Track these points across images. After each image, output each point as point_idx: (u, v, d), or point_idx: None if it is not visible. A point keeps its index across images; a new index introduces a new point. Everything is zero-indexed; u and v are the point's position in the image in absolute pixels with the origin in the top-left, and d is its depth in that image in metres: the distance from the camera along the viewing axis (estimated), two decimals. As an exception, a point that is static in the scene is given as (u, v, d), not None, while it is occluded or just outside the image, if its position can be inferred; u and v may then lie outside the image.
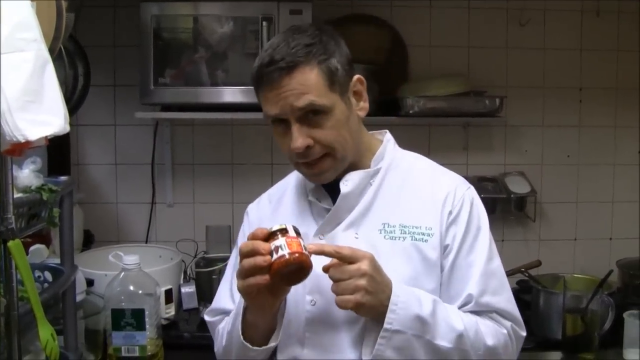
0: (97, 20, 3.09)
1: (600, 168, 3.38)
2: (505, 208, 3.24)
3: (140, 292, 2.30)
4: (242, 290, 1.49)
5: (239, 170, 3.23)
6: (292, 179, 1.82)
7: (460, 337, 1.52)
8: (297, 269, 1.44)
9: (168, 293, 2.61)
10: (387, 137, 1.76)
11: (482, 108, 3.01)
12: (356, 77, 1.65)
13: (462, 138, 3.30)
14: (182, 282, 2.86)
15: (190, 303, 2.78)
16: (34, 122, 1.33)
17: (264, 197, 1.88)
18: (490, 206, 3.20)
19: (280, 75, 1.52)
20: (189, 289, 2.80)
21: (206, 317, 1.83)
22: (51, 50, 1.52)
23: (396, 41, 3.20)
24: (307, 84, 1.52)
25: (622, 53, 3.32)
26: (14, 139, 1.31)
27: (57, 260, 2.13)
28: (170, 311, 2.66)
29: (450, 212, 1.62)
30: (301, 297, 1.62)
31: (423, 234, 1.60)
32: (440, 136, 3.29)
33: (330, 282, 1.52)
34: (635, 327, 2.41)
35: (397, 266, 1.57)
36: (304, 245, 1.45)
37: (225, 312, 1.74)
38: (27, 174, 1.80)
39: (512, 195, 3.20)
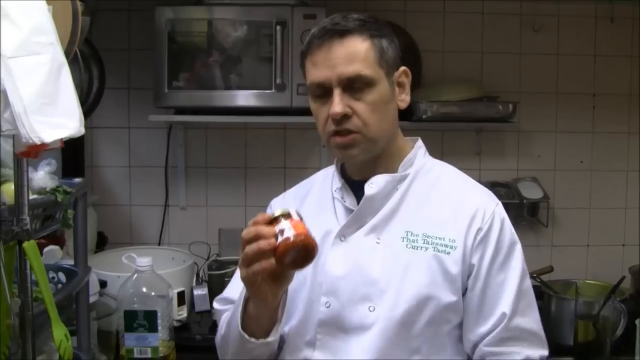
0: (112, 24, 3.11)
1: (614, 174, 3.37)
2: (517, 213, 3.23)
3: (152, 293, 2.31)
4: (245, 279, 1.45)
5: (251, 174, 3.24)
6: (319, 177, 1.83)
7: None
8: (303, 252, 1.41)
9: (180, 295, 2.61)
10: (419, 144, 1.74)
11: (495, 113, 3.01)
12: (402, 68, 1.67)
13: (474, 143, 3.30)
14: (194, 284, 2.88)
15: (203, 305, 2.79)
16: (49, 124, 1.34)
17: (290, 192, 1.87)
18: (503, 211, 3.20)
19: (331, 39, 1.55)
20: (201, 292, 2.81)
21: (215, 305, 1.85)
22: (67, 54, 1.53)
23: (409, 46, 3.19)
24: (357, 53, 1.55)
25: (636, 59, 3.30)
26: (30, 141, 1.32)
27: (71, 262, 2.15)
28: (183, 313, 2.66)
29: (480, 229, 1.58)
30: (317, 298, 1.62)
31: (446, 246, 1.57)
32: (453, 141, 3.28)
33: (348, 286, 1.55)
34: (648, 333, 2.40)
35: (416, 276, 1.56)
36: (308, 228, 1.42)
37: (233, 302, 1.71)
38: (42, 176, 1.82)
39: (524, 201, 3.20)
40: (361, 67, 1.55)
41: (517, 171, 3.33)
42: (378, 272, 1.58)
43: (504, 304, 1.55)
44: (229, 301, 1.77)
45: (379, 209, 1.63)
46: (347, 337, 1.58)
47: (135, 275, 2.32)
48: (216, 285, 2.79)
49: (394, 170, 1.66)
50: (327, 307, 1.60)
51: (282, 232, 1.40)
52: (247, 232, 1.43)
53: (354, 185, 1.68)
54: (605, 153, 3.36)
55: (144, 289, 2.31)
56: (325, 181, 1.78)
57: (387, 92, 1.61)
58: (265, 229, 1.42)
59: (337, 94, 1.55)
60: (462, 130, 3.27)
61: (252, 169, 3.23)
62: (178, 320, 2.62)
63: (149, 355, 2.30)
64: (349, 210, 1.66)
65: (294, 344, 1.64)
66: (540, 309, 2.70)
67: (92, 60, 2.85)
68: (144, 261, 2.32)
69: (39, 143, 1.33)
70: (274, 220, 1.43)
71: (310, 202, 1.77)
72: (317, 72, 1.57)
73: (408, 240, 1.59)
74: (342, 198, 1.68)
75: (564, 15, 3.27)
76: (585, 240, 3.38)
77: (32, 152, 1.40)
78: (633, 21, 3.27)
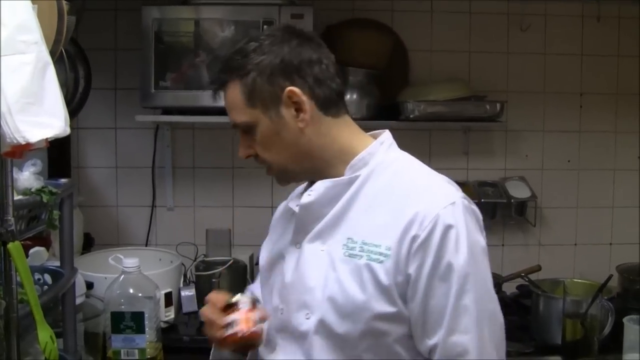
0: (98, 24, 3.09)
1: (601, 173, 3.38)
2: (505, 213, 3.24)
3: (140, 295, 2.30)
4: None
5: (239, 174, 3.23)
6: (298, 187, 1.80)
7: None
8: (249, 342, 1.57)
9: (168, 296, 2.60)
10: (381, 139, 1.62)
11: (483, 113, 3.01)
12: (287, 89, 1.53)
13: (462, 143, 3.30)
14: (181, 285, 2.86)
15: (190, 306, 2.77)
16: (34, 124, 1.33)
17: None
18: (491, 211, 3.21)
19: (216, 91, 1.62)
20: (188, 292, 2.79)
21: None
22: (52, 53, 1.53)
23: (397, 46, 3.20)
24: (231, 102, 1.58)
25: (623, 58, 3.32)
26: (14, 141, 1.31)
27: (57, 263, 2.14)
28: (170, 314, 2.65)
29: (416, 237, 1.43)
30: (277, 306, 1.64)
31: (380, 254, 1.47)
32: (441, 141, 3.29)
33: (293, 293, 1.58)
34: (635, 332, 2.40)
35: (348, 286, 1.49)
36: (257, 319, 1.55)
37: None
38: (27, 176, 1.81)
39: (512, 200, 3.20)
40: (235, 116, 1.58)
41: (504, 170, 3.34)
42: (315, 280, 1.54)
43: (444, 319, 1.43)
44: None
45: (325, 214, 1.57)
46: (295, 343, 1.58)
47: (122, 276, 2.30)
48: (204, 286, 2.78)
49: (340, 174, 1.58)
50: (281, 313, 1.61)
51: (233, 323, 1.53)
52: (204, 315, 1.62)
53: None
54: (592, 152, 3.37)
55: (131, 290, 2.30)
56: (298, 188, 1.77)
57: (269, 128, 1.56)
58: (217, 320, 1.57)
59: (241, 139, 1.61)
60: (450, 129, 3.27)
61: (240, 169, 3.22)
62: (165, 322, 2.61)
63: (137, 357, 2.28)
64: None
65: (262, 349, 1.68)
66: (528, 307, 2.75)
67: (78, 59, 2.83)
68: (130, 262, 2.30)
69: (23, 143, 1.32)
70: (228, 307, 1.57)
71: (279, 212, 1.82)
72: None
73: (347, 247, 1.52)
74: (297, 205, 1.63)
75: (550, 15, 3.28)
76: (573, 239, 3.39)
77: (17, 152, 1.38)
78: (619, 20, 3.29)
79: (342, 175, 1.57)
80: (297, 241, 1.61)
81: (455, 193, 1.51)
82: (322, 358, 1.52)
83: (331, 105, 1.58)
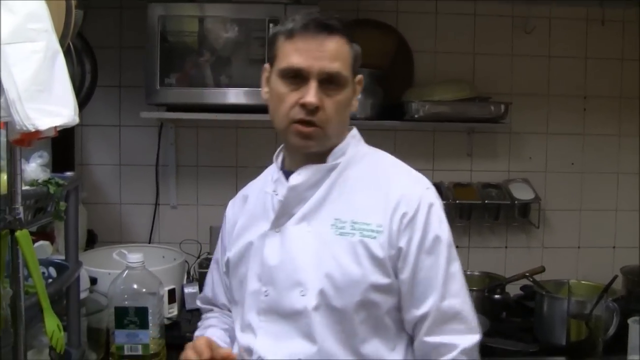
0: (104, 22, 3.09)
1: (604, 176, 3.39)
2: (508, 214, 3.24)
3: (143, 290, 2.29)
4: None
5: (242, 173, 3.23)
6: (264, 175, 1.90)
7: None
8: None
9: (171, 293, 2.60)
10: (352, 133, 1.79)
11: (487, 114, 3.01)
12: (360, 76, 1.74)
13: (466, 144, 3.30)
14: (185, 282, 2.86)
15: (193, 303, 2.76)
16: (44, 111, 1.33)
17: (239, 195, 1.97)
18: (494, 212, 3.22)
19: (320, 32, 1.62)
20: (192, 290, 2.79)
21: (198, 303, 2.12)
22: (60, 46, 1.52)
23: (402, 46, 3.20)
24: (341, 52, 1.64)
25: (627, 62, 3.33)
26: (24, 128, 1.31)
27: (61, 258, 2.13)
28: (173, 311, 2.65)
29: (405, 214, 1.63)
30: (257, 289, 1.70)
31: (372, 231, 1.62)
32: (445, 142, 3.28)
33: (281, 274, 1.65)
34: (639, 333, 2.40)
35: (344, 261, 1.62)
36: None
37: (209, 301, 2.04)
38: (34, 168, 1.81)
39: (515, 202, 3.20)
40: (342, 67, 1.64)
41: (508, 172, 3.34)
42: (308, 258, 1.65)
43: (435, 287, 1.61)
44: (206, 300, 2.06)
45: (307, 198, 1.70)
46: (285, 323, 1.66)
47: (126, 271, 2.30)
48: (207, 284, 2.78)
49: (324, 160, 1.72)
50: (266, 295, 1.68)
51: None
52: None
53: (289, 177, 1.74)
54: (596, 155, 3.38)
55: (135, 286, 2.29)
56: (265, 178, 1.86)
57: (350, 95, 1.70)
58: None
59: (314, 85, 1.61)
60: (454, 131, 3.27)
61: (243, 168, 3.22)
62: (169, 318, 2.60)
63: (140, 353, 2.27)
64: (280, 202, 1.72)
65: (240, 332, 1.75)
66: (532, 309, 2.75)
67: (84, 54, 2.84)
68: (135, 257, 2.30)
69: (33, 130, 1.32)
70: None
71: (251, 201, 1.87)
72: (299, 58, 1.62)
73: (336, 227, 1.65)
74: (274, 191, 1.75)
75: (555, 18, 3.29)
76: (576, 242, 3.39)
77: (26, 140, 1.38)
78: (624, 24, 3.30)
79: (323, 162, 1.72)
80: (277, 225, 1.71)
81: (426, 179, 1.74)
82: (321, 332, 1.61)
83: None
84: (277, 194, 1.73)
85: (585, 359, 2.46)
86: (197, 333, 1.95)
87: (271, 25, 2.70)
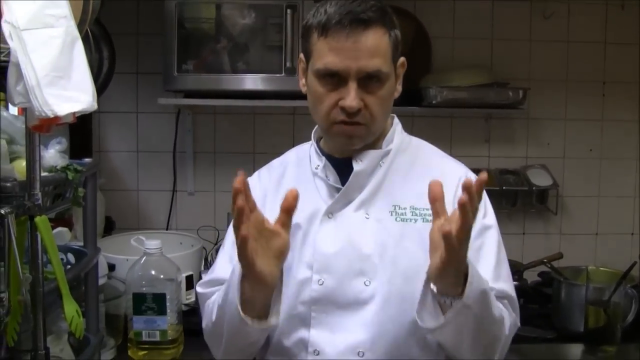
0: (121, 8, 3.08)
1: (623, 162, 3.36)
2: (526, 201, 3.22)
3: (161, 276, 2.31)
4: (241, 256, 1.36)
5: (260, 159, 3.19)
6: (291, 157, 1.80)
7: (501, 321, 1.51)
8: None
9: (189, 279, 2.60)
10: (396, 121, 1.74)
11: (505, 99, 2.99)
12: (402, 59, 1.63)
13: (484, 130, 3.28)
14: (202, 269, 2.87)
15: (211, 290, 2.78)
16: (63, 97, 1.34)
17: (264, 172, 1.82)
18: (512, 199, 3.20)
19: (356, 27, 1.49)
20: (209, 276, 2.80)
21: (198, 289, 1.77)
22: (78, 33, 1.52)
23: (420, 32, 3.18)
24: (379, 47, 1.52)
25: (647, 47, 3.30)
26: (43, 114, 1.32)
27: (79, 244, 2.15)
28: (191, 297, 2.65)
29: None
30: (308, 278, 1.60)
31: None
32: (462, 128, 3.27)
33: (341, 262, 1.56)
34: (658, 320, 2.39)
35: (408, 247, 1.58)
36: None
37: (220, 283, 1.65)
38: (52, 154, 1.82)
39: (533, 188, 3.18)
40: (381, 63, 1.52)
41: (526, 158, 3.32)
42: (371, 246, 1.59)
43: (488, 270, 1.56)
44: (218, 282, 1.69)
45: (366, 184, 1.63)
46: (344, 313, 1.58)
47: (144, 258, 2.31)
48: (224, 270, 2.79)
49: (378, 147, 1.67)
50: (320, 284, 1.59)
51: None
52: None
53: (335, 163, 1.68)
54: (614, 141, 3.35)
55: (153, 272, 2.31)
56: (301, 161, 1.76)
57: (393, 86, 1.62)
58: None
59: (353, 87, 1.52)
60: (472, 117, 3.25)
61: (261, 154, 3.21)
62: (186, 305, 2.60)
63: (158, 339, 2.29)
64: (332, 188, 1.66)
65: (286, 327, 1.61)
66: (550, 295, 2.74)
67: (102, 41, 2.84)
68: (153, 244, 2.31)
69: (52, 116, 1.32)
70: None
71: (288, 182, 1.72)
72: (336, 59, 1.51)
73: (396, 213, 1.61)
74: (325, 176, 1.67)
75: (574, 2, 3.25)
76: (594, 229, 3.37)
77: (45, 126, 1.39)
78: (644, 8, 3.26)
79: (376, 147, 1.67)
80: (331, 211, 1.63)
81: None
82: (385, 323, 1.55)
83: None
84: (329, 180, 1.67)
85: (604, 345, 2.45)
86: (211, 300, 1.67)
87: (289, 10, 2.69)
